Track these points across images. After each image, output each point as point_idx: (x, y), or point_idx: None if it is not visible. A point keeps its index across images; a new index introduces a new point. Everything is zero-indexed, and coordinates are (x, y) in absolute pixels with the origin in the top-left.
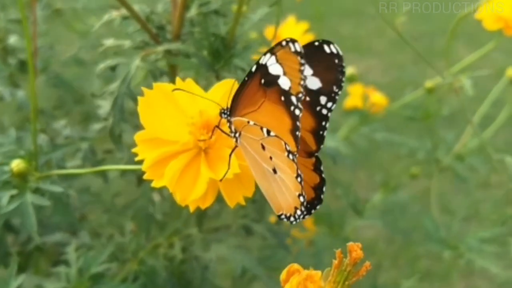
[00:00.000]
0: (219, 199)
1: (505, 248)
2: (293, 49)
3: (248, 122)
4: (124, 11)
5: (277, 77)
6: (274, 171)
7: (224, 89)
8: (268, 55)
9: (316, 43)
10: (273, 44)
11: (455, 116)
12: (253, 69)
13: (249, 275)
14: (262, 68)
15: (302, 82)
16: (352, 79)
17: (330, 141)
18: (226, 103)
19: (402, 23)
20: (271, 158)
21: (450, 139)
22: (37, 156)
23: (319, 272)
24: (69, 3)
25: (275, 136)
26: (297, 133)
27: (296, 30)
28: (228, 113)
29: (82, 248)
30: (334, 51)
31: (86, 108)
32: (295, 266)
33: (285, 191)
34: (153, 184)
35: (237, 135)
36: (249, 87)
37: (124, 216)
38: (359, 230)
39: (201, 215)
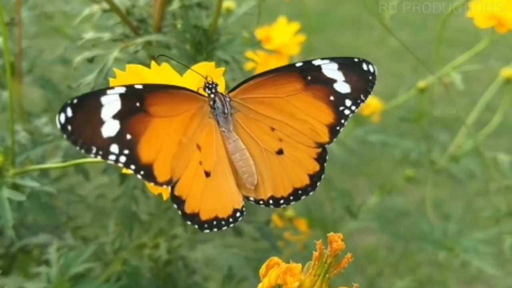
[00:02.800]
0: None
1: (500, 247)
2: (368, 69)
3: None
4: (104, 5)
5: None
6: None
7: (201, 72)
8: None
9: (356, 60)
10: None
11: (449, 121)
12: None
13: (238, 277)
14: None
15: (365, 98)
16: None
17: None
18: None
19: (401, 33)
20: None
21: (444, 140)
22: (14, 151)
23: (299, 265)
24: (58, 6)
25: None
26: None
27: (287, 30)
28: (214, 86)
29: (64, 249)
30: (371, 70)
31: None
32: (275, 259)
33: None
34: (124, 171)
35: (232, 111)
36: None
37: (108, 216)
38: (358, 238)
39: None
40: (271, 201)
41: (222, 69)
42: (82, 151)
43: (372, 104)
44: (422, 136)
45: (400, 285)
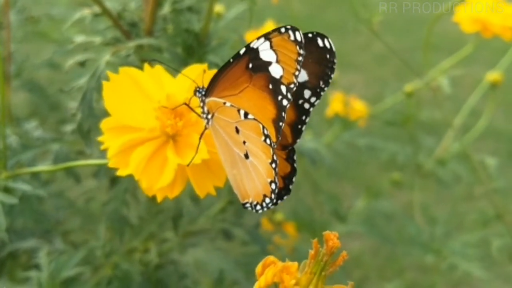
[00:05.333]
0: (196, 201)
1: (487, 250)
2: (292, 38)
3: (224, 103)
4: (95, 9)
5: (268, 63)
6: (246, 156)
7: (194, 74)
8: (262, 39)
9: (310, 35)
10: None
11: (434, 125)
12: (242, 51)
13: (229, 281)
14: (252, 52)
15: (297, 73)
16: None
17: (310, 143)
18: (199, 85)
19: (385, 39)
20: (244, 142)
21: (430, 144)
22: (6, 155)
23: (295, 264)
24: (45, 9)
25: (253, 119)
26: (281, 123)
27: None
28: (203, 93)
29: (54, 253)
30: (328, 45)
31: (62, 114)
32: (271, 258)
33: (255, 178)
34: (118, 173)
35: (209, 116)
36: (233, 69)
37: (97, 220)
38: (344, 242)
39: (177, 218)
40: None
41: (214, 71)
42: None
43: (358, 108)
44: (408, 140)
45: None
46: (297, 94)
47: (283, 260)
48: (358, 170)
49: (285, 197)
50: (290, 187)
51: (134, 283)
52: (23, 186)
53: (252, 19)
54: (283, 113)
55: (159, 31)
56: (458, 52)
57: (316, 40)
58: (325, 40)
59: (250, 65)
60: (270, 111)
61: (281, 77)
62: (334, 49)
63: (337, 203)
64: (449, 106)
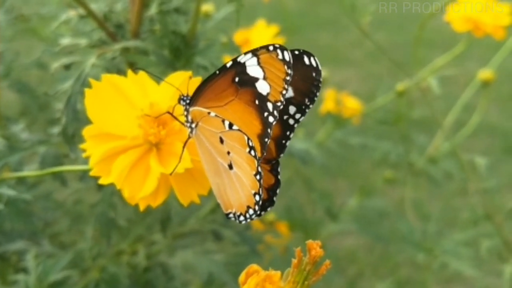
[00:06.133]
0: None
1: (478, 248)
2: (280, 57)
3: (209, 113)
4: (81, 10)
5: (255, 79)
6: (230, 166)
7: (178, 81)
8: (250, 55)
9: (296, 52)
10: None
11: (427, 123)
12: (228, 64)
13: (217, 283)
14: (239, 66)
15: (284, 92)
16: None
17: (301, 143)
18: (183, 93)
19: (379, 34)
20: (228, 153)
21: (423, 142)
22: None
23: (278, 273)
24: (35, 8)
25: (238, 130)
26: (266, 139)
27: (266, 33)
28: (188, 101)
29: (42, 256)
30: (314, 64)
31: (51, 115)
32: (254, 267)
33: (239, 189)
34: (100, 181)
35: (193, 125)
36: (219, 81)
37: (85, 222)
38: (338, 239)
39: (165, 220)
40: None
41: (199, 78)
42: None
43: (352, 106)
44: (400, 138)
45: (380, 286)
46: (283, 110)
47: (274, 261)
48: (351, 168)
49: (268, 209)
50: (274, 198)
51: (122, 286)
52: (8, 192)
53: (239, 20)
54: (268, 130)
55: (146, 32)
56: (451, 50)
57: (303, 58)
58: (311, 58)
59: (237, 79)
60: (256, 126)
61: (268, 94)
62: (320, 67)
63: (330, 201)
64: (443, 104)
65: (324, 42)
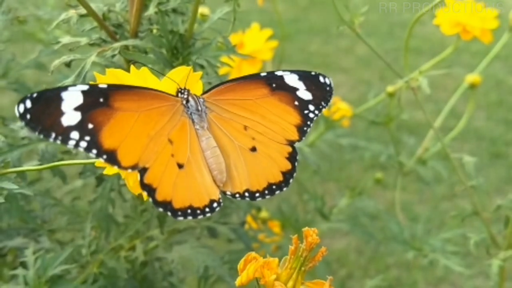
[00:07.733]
0: None
1: (467, 248)
2: (322, 81)
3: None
4: (81, 10)
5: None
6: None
7: (179, 76)
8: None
9: (313, 73)
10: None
11: (416, 126)
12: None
13: (213, 278)
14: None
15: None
16: None
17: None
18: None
19: (369, 42)
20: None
21: (412, 144)
22: None
23: (276, 259)
24: (31, 10)
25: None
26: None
27: (259, 36)
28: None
29: (41, 252)
30: (328, 82)
31: None
32: (253, 254)
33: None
34: (106, 172)
35: (206, 111)
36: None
37: (84, 218)
38: (329, 241)
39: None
40: (246, 194)
41: (200, 73)
42: (41, 136)
43: (342, 108)
44: (390, 140)
45: (370, 284)
46: (303, 106)
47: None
48: (342, 170)
49: (284, 188)
50: (290, 180)
51: (120, 281)
52: (9, 186)
53: (235, 20)
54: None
55: (144, 32)
56: (439, 55)
57: (318, 77)
58: (325, 79)
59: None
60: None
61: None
62: (332, 85)
63: (321, 202)
64: (431, 108)
65: (315, 48)
